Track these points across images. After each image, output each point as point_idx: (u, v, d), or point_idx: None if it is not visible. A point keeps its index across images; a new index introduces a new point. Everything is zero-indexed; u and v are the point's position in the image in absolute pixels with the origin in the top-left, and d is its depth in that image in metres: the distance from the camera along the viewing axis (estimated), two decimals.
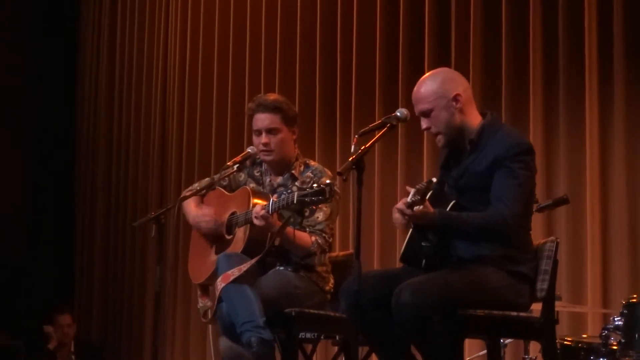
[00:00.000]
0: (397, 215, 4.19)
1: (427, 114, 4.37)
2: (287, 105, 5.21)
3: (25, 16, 10.00)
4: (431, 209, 4.17)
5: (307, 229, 5.04)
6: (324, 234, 5.04)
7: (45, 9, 10.09)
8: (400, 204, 4.14)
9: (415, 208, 4.08)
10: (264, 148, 5.14)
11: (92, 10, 10.24)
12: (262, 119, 5.14)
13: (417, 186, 4.12)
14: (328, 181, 4.69)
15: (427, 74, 4.50)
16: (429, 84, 4.39)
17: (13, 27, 9.91)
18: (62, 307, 8.99)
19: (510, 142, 4.29)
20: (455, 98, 4.35)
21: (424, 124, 4.40)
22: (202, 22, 8.90)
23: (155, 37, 9.42)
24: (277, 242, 4.94)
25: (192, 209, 5.29)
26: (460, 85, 4.41)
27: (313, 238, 5.01)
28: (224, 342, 4.94)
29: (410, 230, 4.36)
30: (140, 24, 9.63)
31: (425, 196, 4.10)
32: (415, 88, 4.44)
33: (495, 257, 4.26)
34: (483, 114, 4.44)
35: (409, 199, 4.10)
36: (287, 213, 4.90)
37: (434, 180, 4.35)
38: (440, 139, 4.41)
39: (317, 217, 5.05)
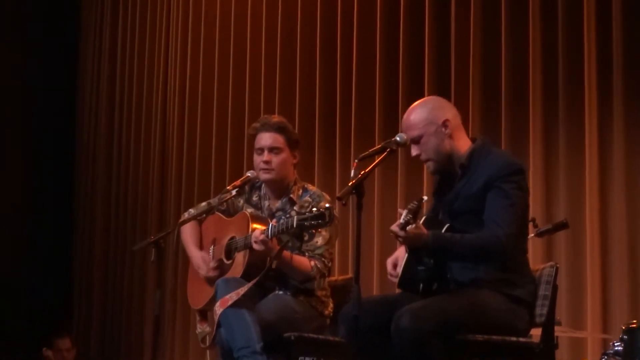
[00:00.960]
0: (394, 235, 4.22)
1: (416, 140, 4.40)
2: (291, 128, 5.24)
3: (25, 18, 10.01)
4: (424, 229, 4.19)
5: (307, 254, 5.04)
6: (323, 259, 5.04)
7: (45, 9, 10.10)
8: (393, 226, 4.16)
9: (409, 228, 4.10)
10: (265, 166, 5.13)
11: (94, 16, 10.26)
12: (266, 138, 5.15)
13: (409, 206, 4.14)
14: (327, 205, 4.69)
15: (416, 103, 4.53)
16: (419, 111, 4.43)
17: (14, 30, 9.92)
18: (62, 331, 8.96)
19: (501, 163, 4.31)
20: (444, 124, 4.38)
21: (414, 151, 4.43)
22: (202, 38, 8.92)
23: (156, 55, 9.42)
24: (274, 265, 4.93)
25: (192, 248, 5.28)
26: (448, 111, 4.45)
27: (312, 262, 5.01)
28: None
29: (406, 256, 4.37)
30: (141, 32, 9.63)
31: (417, 215, 4.13)
32: (405, 116, 4.47)
33: (491, 280, 4.26)
34: (473, 140, 4.47)
35: (401, 220, 4.12)
36: (285, 237, 4.89)
37: (425, 198, 4.37)
38: (430, 165, 4.44)
39: (317, 242, 5.05)
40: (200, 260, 5.20)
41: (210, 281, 5.11)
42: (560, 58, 6.43)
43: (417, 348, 4.03)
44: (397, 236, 4.17)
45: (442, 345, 4.06)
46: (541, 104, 6.53)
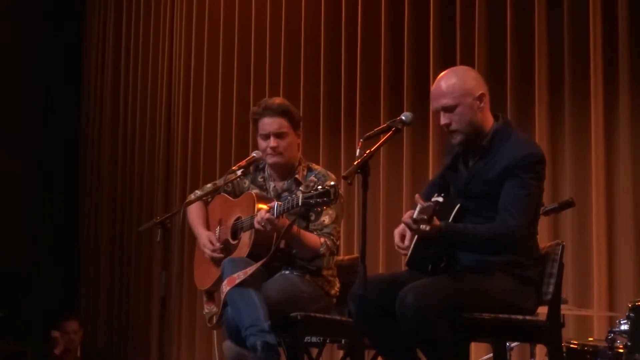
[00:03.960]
0: (398, 237, 4.19)
1: (450, 109, 4.30)
2: (293, 109, 5.21)
3: (31, 18, 10.04)
4: (436, 221, 4.11)
5: (315, 232, 5.03)
6: (332, 237, 5.04)
7: (50, 9, 10.11)
8: (407, 218, 4.10)
9: (422, 226, 4.05)
10: (272, 151, 5.13)
11: (98, 13, 10.27)
12: (270, 123, 5.13)
13: (424, 205, 4.04)
14: (332, 183, 4.67)
15: (448, 70, 4.42)
16: (454, 80, 4.32)
17: (18, 29, 9.94)
18: (69, 313, 8.99)
19: (523, 153, 4.24)
20: (480, 97, 4.31)
21: (444, 119, 4.32)
22: (206, 27, 8.92)
23: (160, 40, 9.45)
24: (282, 245, 4.93)
25: (199, 228, 5.27)
26: (483, 84, 4.37)
27: (322, 240, 5.00)
28: (228, 345, 4.93)
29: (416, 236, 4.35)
30: (145, 26, 9.65)
31: (432, 218, 4.06)
32: (436, 83, 4.36)
33: (501, 263, 4.24)
34: (495, 116, 4.40)
35: (415, 216, 4.05)
36: (291, 217, 4.89)
37: (441, 200, 4.31)
38: (457, 136, 4.33)
39: (324, 221, 5.04)
40: (207, 239, 5.19)
41: (216, 261, 5.11)
42: (565, 38, 6.42)
43: (422, 326, 4.01)
44: (409, 228, 4.11)
45: (447, 323, 4.04)
46: (546, 83, 6.52)
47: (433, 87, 4.38)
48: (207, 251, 5.17)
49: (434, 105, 4.34)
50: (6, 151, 9.70)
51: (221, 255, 5.11)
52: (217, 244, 5.15)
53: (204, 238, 5.21)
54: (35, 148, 9.94)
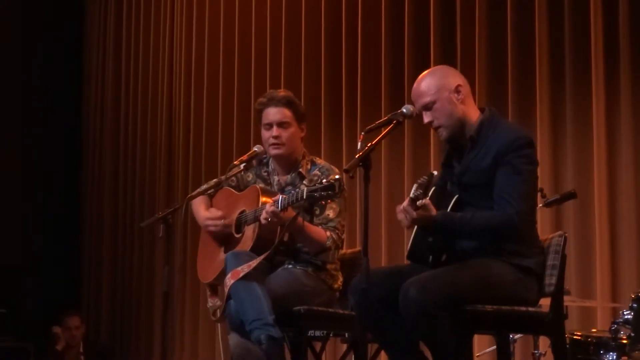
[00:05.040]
0: (401, 216, 4.20)
1: (429, 107, 4.37)
2: (297, 102, 5.24)
3: (31, 18, 10.03)
4: (433, 210, 4.16)
5: (320, 226, 5.03)
6: (337, 230, 5.04)
7: (50, 9, 10.11)
8: (405, 203, 4.14)
9: (419, 202, 4.08)
10: (275, 141, 5.13)
11: (98, 12, 10.27)
12: (274, 113, 5.15)
13: (419, 180, 4.13)
14: (337, 176, 4.67)
15: (424, 72, 4.52)
16: (429, 79, 4.42)
17: (18, 29, 9.95)
18: (71, 309, 9.00)
19: (511, 137, 4.27)
20: (457, 89, 4.37)
21: (427, 117, 4.39)
22: (207, 21, 8.92)
23: (161, 36, 9.45)
24: (286, 238, 4.93)
25: (201, 211, 5.29)
26: (459, 77, 4.45)
27: (328, 233, 5.01)
28: (234, 338, 4.93)
29: (415, 228, 4.36)
30: (145, 24, 9.64)
31: (428, 190, 4.11)
32: (414, 85, 4.45)
33: (500, 252, 4.25)
34: (481, 109, 4.44)
35: (411, 194, 4.11)
36: (296, 210, 4.88)
37: (435, 173, 4.35)
38: (442, 132, 4.40)
39: (328, 214, 5.04)
40: (207, 216, 5.20)
41: (220, 250, 5.13)
42: (566, 29, 6.42)
43: (425, 319, 4.02)
44: (408, 214, 4.12)
45: (449, 316, 4.05)
46: (548, 74, 6.52)
47: (412, 90, 4.47)
48: (209, 223, 5.17)
49: (416, 107, 4.41)
50: (6, 151, 9.70)
51: (222, 223, 5.11)
52: (219, 214, 5.15)
53: (204, 218, 5.22)
54: (35, 148, 9.94)
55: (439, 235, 4.28)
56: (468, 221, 4.22)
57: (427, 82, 4.40)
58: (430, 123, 4.40)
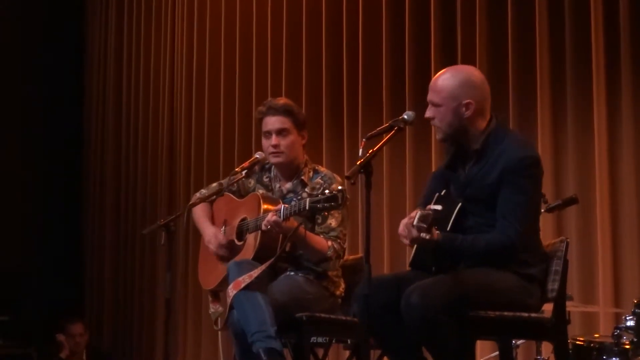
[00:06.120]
0: (403, 232, 4.14)
1: (435, 105, 4.33)
2: (297, 109, 5.23)
3: (31, 18, 10.03)
4: (435, 233, 4.10)
5: (322, 236, 5.03)
6: (339, 240, 5.04)
7: (50, 9, 10.12)
8: (407, 220, 4.09)
9: (422, 235, 4.03)
10: (274, 150, 5.13)
11: (99, 12, 10.28)
12: (273, 121, 5.15)
13: (424, 212, 4.03)
14: (340, 187, 4.67)
15: (452, 68, 4.43)
16: (448, 80, 4.32)
17: (18, 29, 9.94)
18: (74, 316, 8.99)
19: (519, 155, 4.23)
20: (467, 106, 4.29)
21: (429, 112, 4.35)
22: (208, 24, 8.91)
23: (162, 37, 9.43)
24: (287, 248, 4.94)
25: (206, 227, 5.27)
26: (478, 92, 4.32)
27: (329, 243, 5.00)
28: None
29: None
30: (146, 25, 9.64)
31: (432, 227, 4.04)
32: (436, 75, 4.39)
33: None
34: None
35: (415, 223, 4.02)
36: (298, 219, 4.88)
37: (439, 209, 4.29)
38: (438, 133, 4.37)
39: (330, 224, 5.04)
40: (212, 235, 5.20)
41: (222, 260, 5.11)
42: (567, 32, 6.41)
43: (427, 325, 4.02)
44: (409, 232, 4.07)
45: (452, 322, 4.04)
46: (548, 78, 6.51)
47: (432, 79, 4.41)
48: (212, 247, 5.17)
49: (428, 96, 4.36)
50: (6, 151, 9.70)
51: (225, 252, 5.11)
52: (223, 239, 5.15)
53: (209, 234, 5.22)
54: (35, 148, 9.93)
55: (440, 258, 4.26)
56: (469, 245, 4.19)
57: (444, 83, 4.32)
58: (430, 118, 4.35)
